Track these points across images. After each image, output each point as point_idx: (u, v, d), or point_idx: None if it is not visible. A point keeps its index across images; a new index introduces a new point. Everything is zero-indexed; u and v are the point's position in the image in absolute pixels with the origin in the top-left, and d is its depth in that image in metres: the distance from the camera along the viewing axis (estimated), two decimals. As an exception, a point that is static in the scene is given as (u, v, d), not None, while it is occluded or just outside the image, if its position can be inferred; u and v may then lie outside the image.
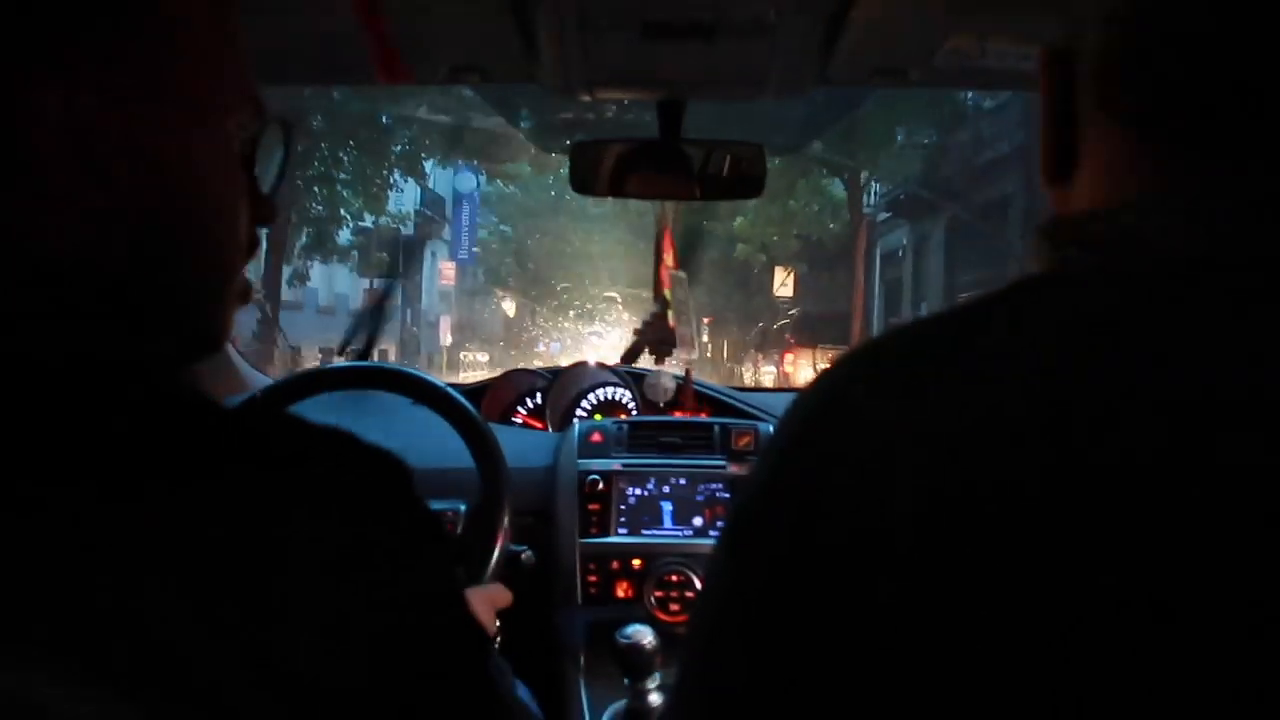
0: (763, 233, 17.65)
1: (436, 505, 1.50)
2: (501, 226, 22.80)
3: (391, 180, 15.54)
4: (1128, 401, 0.42)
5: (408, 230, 18.24)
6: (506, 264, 22.34)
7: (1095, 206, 0.51)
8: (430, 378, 1.50)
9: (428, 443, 1.53)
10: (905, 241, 17.92)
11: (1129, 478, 0.40)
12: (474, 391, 2.14)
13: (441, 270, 22.26)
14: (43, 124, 0.49)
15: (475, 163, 18.64)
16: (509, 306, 20.37)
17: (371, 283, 16.68)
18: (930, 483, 0.43)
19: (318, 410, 1.50)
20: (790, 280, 18.16)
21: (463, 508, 1.49)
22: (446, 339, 19.96)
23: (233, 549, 0.45)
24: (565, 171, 1.51)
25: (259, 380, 1.99)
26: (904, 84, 1.21)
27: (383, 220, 16.53)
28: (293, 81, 1.27)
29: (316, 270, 15.87)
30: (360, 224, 15.92)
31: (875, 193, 17.75)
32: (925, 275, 17.10)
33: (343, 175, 14.33)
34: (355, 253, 16.45)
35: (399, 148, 15.27)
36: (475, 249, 22.11)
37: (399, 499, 0.53)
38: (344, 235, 15.60)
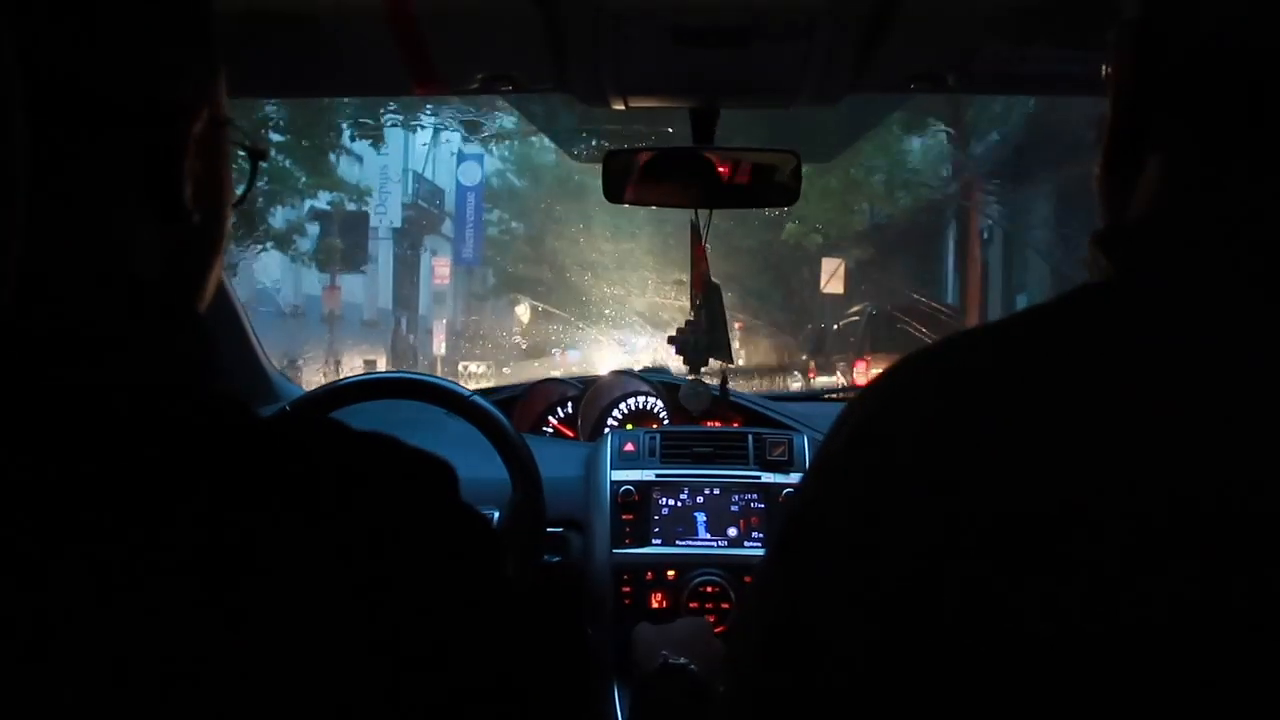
0: (817, 210, 13.18)
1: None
2: (513, 224, 20.25)
3: (340, 142, 12.14)
4: (1174, 430, 0.42)
5: (379, 213, 16.25)
6: (520, 266, 19.55)
7: (1158, 208, 0.50)
8: (459, 387, 1.50)
9: (460, 452, 1.53)
10: (995, 216, 12.65)
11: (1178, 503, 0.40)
12: (505, 401, 2.14)
13: (435, 269, 20.35)
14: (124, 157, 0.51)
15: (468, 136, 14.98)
16: (522, 311, 18.47)
17: (333, 279, 15.43)
18: (997, 493, 0.43)
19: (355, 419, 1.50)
20: (839, 273, 14.14)
21: (496, 514, 1.49)
22: (440, 348, 18.25)
23: (279, 557, 0.45)
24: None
25: (291, 391, 2.00)
26: (940, 90, 1.19)
27: (335, 197, 13.58)
28: (326, 93, 1.28)
29: (265, 263, 12.91)
30: (314, 204, 13.05)
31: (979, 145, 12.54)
32: (1024, 259, 12.81)
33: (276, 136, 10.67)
34: (297, 239, 12.63)
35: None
36: (481, 247, 18.97)
37: (444, 501, 0.53)
38: (281, 217, 11.96)
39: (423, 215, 20.00)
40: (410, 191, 19.07)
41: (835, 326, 13.50)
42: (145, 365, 0.50)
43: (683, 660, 1.00)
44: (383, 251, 18.39)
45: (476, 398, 1.49)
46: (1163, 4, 0.51)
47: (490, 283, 21.38)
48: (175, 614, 0.42)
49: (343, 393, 1.51)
